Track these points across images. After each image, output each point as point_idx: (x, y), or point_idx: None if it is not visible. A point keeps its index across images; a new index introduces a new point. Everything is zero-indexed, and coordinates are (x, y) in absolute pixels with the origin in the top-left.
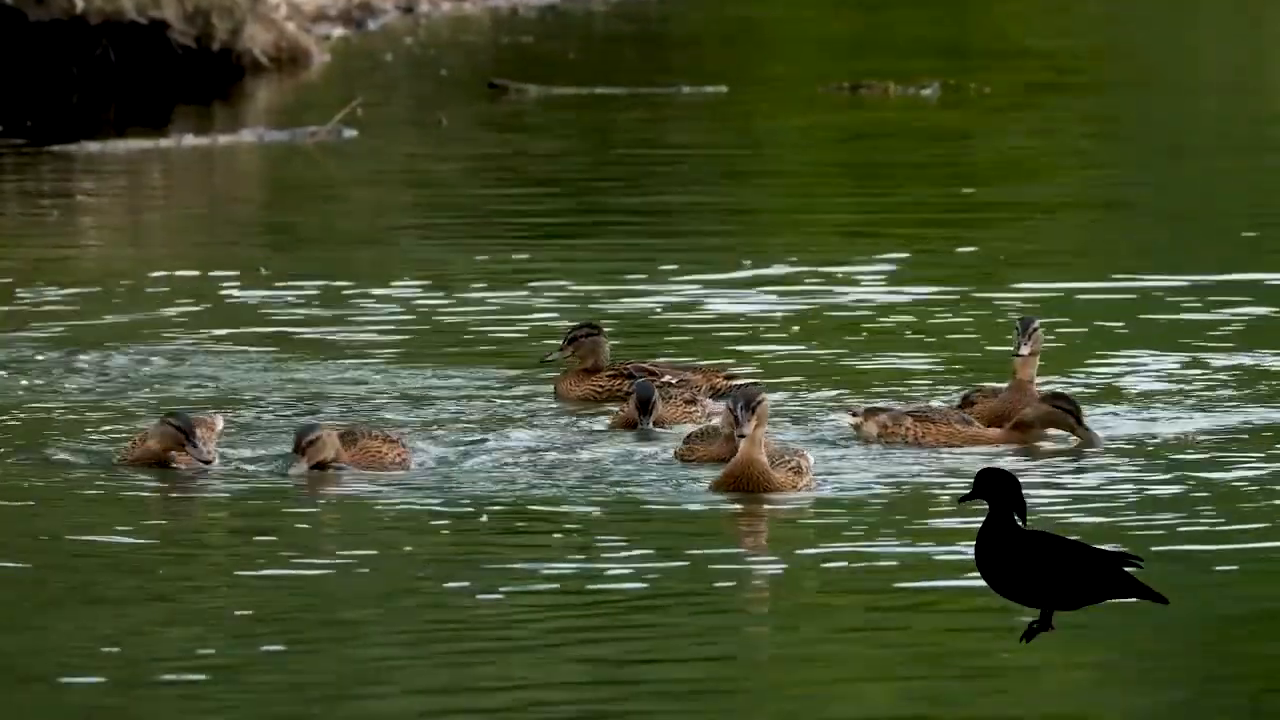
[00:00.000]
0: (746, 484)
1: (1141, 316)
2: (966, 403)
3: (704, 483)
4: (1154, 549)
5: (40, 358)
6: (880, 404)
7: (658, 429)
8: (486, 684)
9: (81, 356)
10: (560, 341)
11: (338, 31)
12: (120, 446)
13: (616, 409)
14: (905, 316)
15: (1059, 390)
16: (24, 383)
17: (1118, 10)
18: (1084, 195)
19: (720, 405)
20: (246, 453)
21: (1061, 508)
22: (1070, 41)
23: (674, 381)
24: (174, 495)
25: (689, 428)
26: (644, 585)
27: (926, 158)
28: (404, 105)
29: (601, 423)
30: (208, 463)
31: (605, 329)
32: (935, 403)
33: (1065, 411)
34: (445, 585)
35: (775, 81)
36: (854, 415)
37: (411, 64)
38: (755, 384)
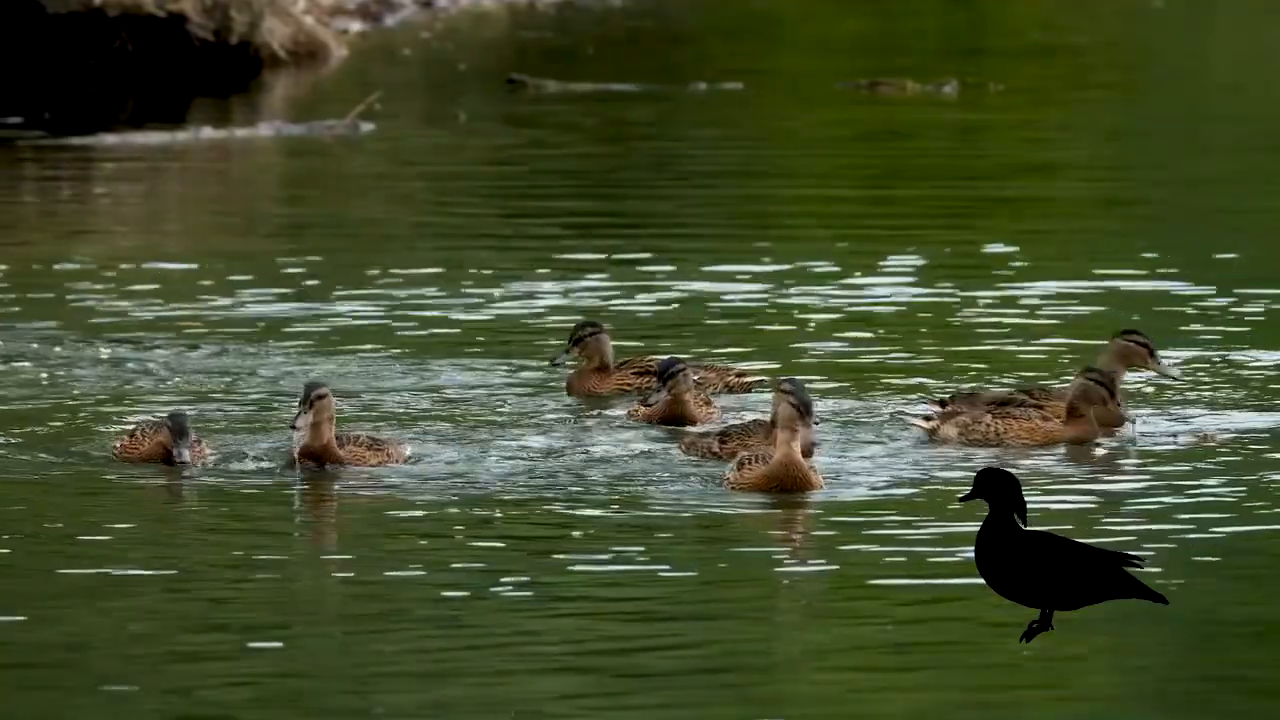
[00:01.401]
0: (789, 485)
1: (1160, 314)
2: (1012, 402)
3: (722, 481)
4: (1159, 546)
5: (58, 349)
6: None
7: (686, 428)
8: (506, 689)
9: (98, 348)
10: (566, 343)
11: (355, 26)
12: (121, 439)
13: (632, 404)
14: (924, 313)
15: (1092, 367)
16: (42, 374)
17: (1131, 6)
18: (1102, 193)
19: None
20: (263, 447)
21: (1071, 506)
22: (1086, 39)
23: (695, 379)
24: (182, 491)
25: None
26: (666, 587)
27: (945, 155)
28: (421, 100)
29: (618, 420)
30: (184, 463)
31: (607, 325)
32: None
33: (1097, 384)
34: (460, 586)
35: (792, 78)
36: (928, 420)
37: (429, 59)
38: (795, 381)
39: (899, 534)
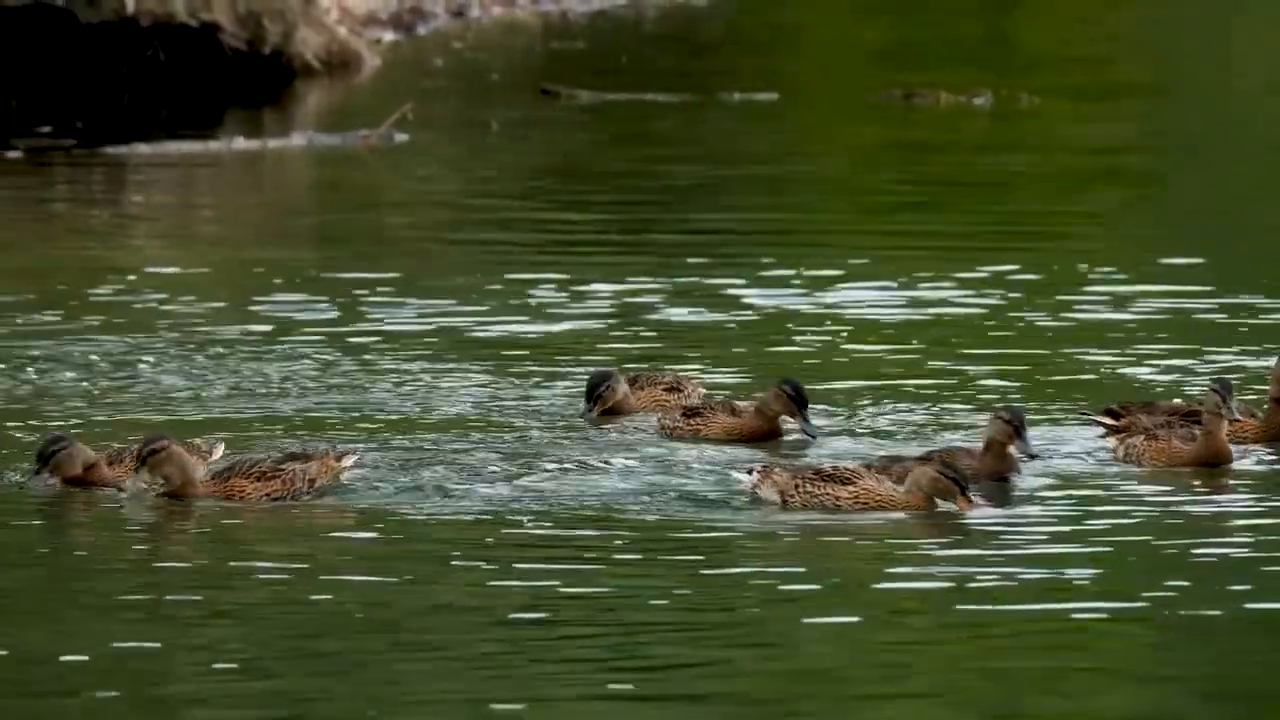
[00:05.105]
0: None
1: (1193, 325)
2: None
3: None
4: (1174, 555)
5: (94, 358)
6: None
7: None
8: (544, 701)
9: (130, 357)
10: (588, 403)
11: (388, 35)
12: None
13: (674, 421)
14: (962, 326)
15: (1222, 377)
16: (84, 383)
17: (1162, 16)
18: (1145, 202)
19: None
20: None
21: (1087, 511)
22: (1115, 47)
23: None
24: (210, 504)
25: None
26: (693, 602)
27: (979, 167)
28: (454, 110)
29: (648, 433)
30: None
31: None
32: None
33: (1212, 391)
34: (497, 600)
35: (825, 88)
36: (1119, 441)
37: (462, 68)
38: (1015, 409)
39: (981, 555)
